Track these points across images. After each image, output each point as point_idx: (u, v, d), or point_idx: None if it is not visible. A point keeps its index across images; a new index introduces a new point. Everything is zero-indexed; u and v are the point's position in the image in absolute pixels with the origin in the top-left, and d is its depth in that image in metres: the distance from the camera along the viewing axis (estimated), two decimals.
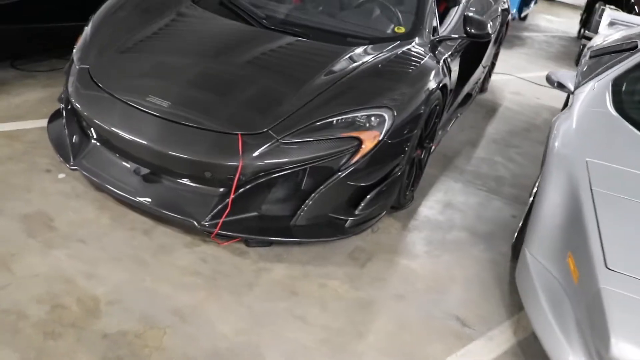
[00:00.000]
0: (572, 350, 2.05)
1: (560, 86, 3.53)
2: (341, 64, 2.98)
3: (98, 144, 2.87)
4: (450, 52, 3.67)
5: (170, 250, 2.62)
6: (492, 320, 2.60)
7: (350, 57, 3.05)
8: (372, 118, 2.70)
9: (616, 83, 3.12)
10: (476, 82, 5.01)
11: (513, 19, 8.46)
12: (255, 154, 2.52)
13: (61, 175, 3.02)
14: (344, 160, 2.64)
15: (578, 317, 2.09)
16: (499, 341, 2.49)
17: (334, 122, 2.66)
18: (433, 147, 3.87)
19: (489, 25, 3.58)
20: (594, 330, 1.92)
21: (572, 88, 3.39)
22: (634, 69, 3.20)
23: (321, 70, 2.92)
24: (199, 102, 2.70)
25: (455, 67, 3.88)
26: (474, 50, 4.67)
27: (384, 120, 2.71)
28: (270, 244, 2.75)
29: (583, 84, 3.29)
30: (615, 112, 2.87)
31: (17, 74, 4.17)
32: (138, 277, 2.43)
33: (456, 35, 3.67)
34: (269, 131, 2.56)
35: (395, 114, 2.75)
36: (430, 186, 3.68)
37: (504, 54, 7.68)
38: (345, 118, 2.67)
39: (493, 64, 5.89)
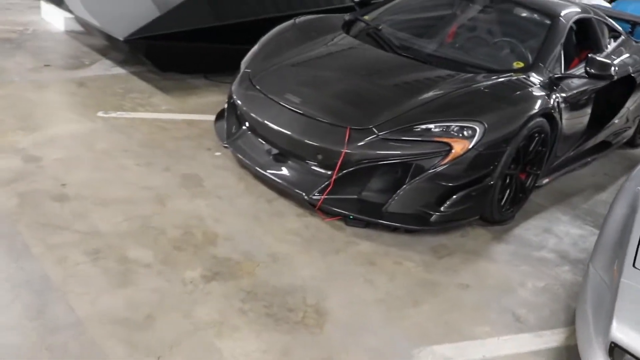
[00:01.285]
0: (595, 337, 2.26)
1: None
2: (451, 84, 3.46)
3: (247, 130, 3.65)
4: (574, 92, 3.91)
5: (283, 215, 3.27)
6: (548, 323, 2.82)
7: (461, 80, 3.51)
8: (465, 129, 3.13)
9: None
10: (617, 133, 5.05)
11: None
12: (358, 144, 3.09)
13: (217, 153, 3.85)
14: (434, 162, 3.10)
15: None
16: (546, 340, 2.71)
17: (431, 127, 3.14)
18: (547, 180, 4.09)
19: (613, 69, 3.78)
20: (604, 316, 2.15)
21: None
22: None
23: (433, 87, 3.43)
24: (323, 102, 3.36)
25: (581, 109, 4.10)
26: (616, 99, 4.79)
27: (475, 132, 3.12)
28: (365, 225, 3.27)
29: None
30: None
31: (208, 83, 5.23)
32: (251, 228, 3.10)
33: (577, 74, 3.91)
34: (373, 128, 3.13)
35: (487, 129, 3.14)
36: (535, 213, 3.91)
37: None
38: (441, 126, 3.14)
39: None
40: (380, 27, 4.15)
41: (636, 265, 2.21)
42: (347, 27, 4.30)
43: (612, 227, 2.68)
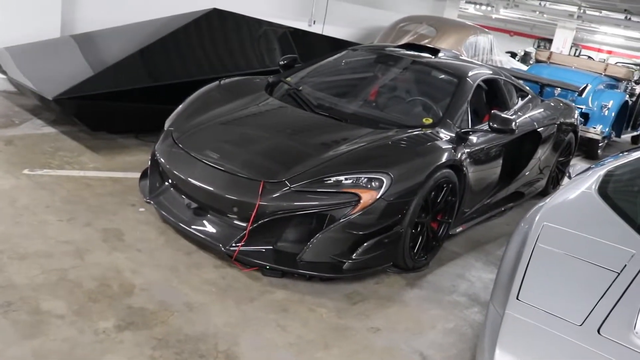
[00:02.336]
0: None
1: (569, 176, 3.90)
2: (362, 139, 3.68)
3: (169, 186, 3.76)
4: (481, 145, 4.21)
5: (201, 267, 3.35)
6: None
7: (371, 135, 3.74)
8: (373, 180, 3.33)
9: (609, 172, 3.48)
10: (529, 183, 5.39)
11: (605, 138, 8.62)
12: (272, 197, 3.25)
13: (141, 209, 3.93)
14: (345, 212, 3.27)
15: None
16: None
17: (341, 179, 3.33)
18: (460, 229, 4.33)
19: (514, 124, 4.10)
20: (489, 347, 2.30)
21: (573, 175, 3.76)
22: (629, 163, 3.56)
23: (346, 142, 3.65)
24: (242, 158, 3.52)
25: (489, 161, 4.39)
26: (526, 153, 5.15)
27: (383, 183, 3.32)
28: (282, 275, 3.38)
29: (583, 173, 3.66)
30: (596, 193, 3.22)
31: (138, 143, 5.34)
32: (169, 279, 3.17)
33: (482, 129, 4.22)
34: (285, 181, 3.29)
35: (394, 180, 3.35)
36: (449, 260, 4.11)
37: None
38: (350, 177, 3.33)
39: (562, 172, 6.20)
40: (300, 88, 4.40)
41: (519, 297, 2.39)
42: (270, 88, 4.53)
43: (506, 265, 2.86)
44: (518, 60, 13.71)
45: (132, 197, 4.09)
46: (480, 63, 6.05)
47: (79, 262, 3.18)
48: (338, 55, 5.11)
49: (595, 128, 8.36)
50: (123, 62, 5.28)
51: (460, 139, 4.03)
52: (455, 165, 3.81)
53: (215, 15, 6.43)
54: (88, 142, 5.09)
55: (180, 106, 4.21)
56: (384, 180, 3.34)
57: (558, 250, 2.65)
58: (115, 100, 5.03)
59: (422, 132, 3.89)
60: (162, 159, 3.74)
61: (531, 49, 23.89)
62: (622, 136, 9.64)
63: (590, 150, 8.57)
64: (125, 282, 3.07)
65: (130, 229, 3.64)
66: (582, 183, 3.43)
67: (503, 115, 4.14)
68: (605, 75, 9.41)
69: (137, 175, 4.26)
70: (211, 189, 3.39)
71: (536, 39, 26.55)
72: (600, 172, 3.53)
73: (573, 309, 2.27)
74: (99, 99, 4.89)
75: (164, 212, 3.62)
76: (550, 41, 23.98)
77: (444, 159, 3.67)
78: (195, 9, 6.49)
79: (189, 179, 3.49)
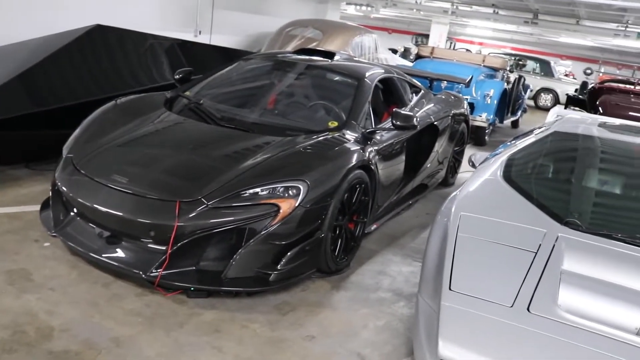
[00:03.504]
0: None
1: (474, 166, 4.12)
2: (274, 148, 3.67)
3: (75, 215, 3.54)
4: (386, 143, 4.34)
5: (121, 298, 3.19)
6: (391, 358, 3.03)
7: (283, 144, 3.74)
8: (290, 189, 3.33)
9: (510, 158, 3.71)
10: (431, 175, 5.63)
11: (491, 124, 9.18)
12: (189, 216, 3.16)
13: (46, 244, 3.68)
14: (265, 223, 3.24)
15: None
16: None
17: (258, 191, 3.30)
18: (374, 227, 4.43)
19: (415, 119, 4.26)
20: (434, 340, 2.38)
21: (477, 165, 3.98)
22: (525, 148, 3.82)
23: (257, 153, 3.62)
24: (152, 178, 3.39)
25: (394, 157, 4.53)
26: (425, 146, 5.36)
27: (300, 191, 3.34)
28: (207, 295, 3.29)
29: (485, 161, 3.89)
30: (502, 179, 3.43)
31: (30, 172, 4.99)
32: (90, 315, 2.99)
33: (386, 127, 4.35)
34: (202, 198, 3.21)
35: (310, 186, 3.37)
36: (368, 258, 4.20)
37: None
38: (267, 188, 3.31)
39: (458, 161, 6.53)
40: (201, 102, 4.32)
41: (452, 288, 2.49)
42: (169, 104, 4.40)
43: (431, 258, 2.97)
44: (399, 57, 14.26)
45: (34, 232, 3.82)
46: (373, 63, 6.23)
47: None
48: (234, 65, 5.06)
49: (481, 116, 8.87)
50: (3, 88, 4.91)
51: (366, 139, 4.13)
52: (365, 165, 3.90)
53: (99, 32, 6.15)
54: None
55: (77, 130, 3.99)
56: (301, 187, 3.35)
57: (479, 237, 2.79)
58: None
59: (330, 135, 3.94)
60: (64, 188, 3.52)
61: (410, 45, 24.93)
62: (505, 122, 10.30)
63: (478, 137, 9.08)
64: (42, 325, 2.86)
65: (37, 267, 3.40)
66: (487, 170, 3.64)
67: (404, 112, 4.29)
68: (484, 65, 10.01)
69: (36, 207, 3.99)
70: (122, 214, 3.24)
71: (414, 35, 27.75)
72: (500, 159, 3.76)
73: (502, 292, 2.40)
74: None
75: (73, 244, 3.41)
76: (426, 36, 25.13)
77: (354, 161, 3.74)
78: (76, 26, 6.16)
79: (97, 206, 3.31)
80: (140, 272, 3.17)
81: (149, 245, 3.27)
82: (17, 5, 7.04)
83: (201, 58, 7.20)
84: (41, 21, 6.84)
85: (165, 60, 6.80)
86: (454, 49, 22.19)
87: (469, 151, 6.95)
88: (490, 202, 3.24)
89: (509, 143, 4.68)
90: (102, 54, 6.05)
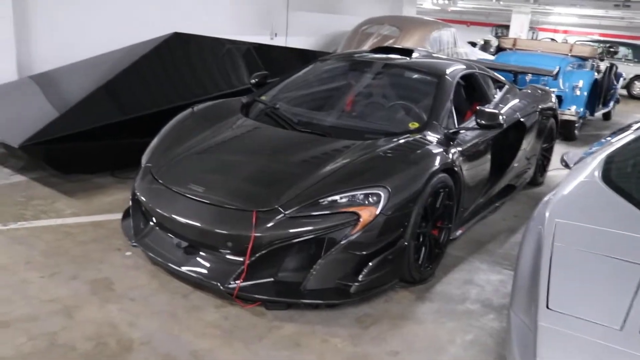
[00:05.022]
0: None
1: (567, 165, 3.80)
2: (353, 153, 3.52)
3: (154, 225, 3.55)
4: (470, 143, 4.09)
5: (200, 309, 3.15)
6: None
7: (362, 148, 3.59)
8: (370, 196, 3.17)
9: (609, 157, 3.38)
10: (519, 175, 5.30)
11: (581, 118, 8.62)
12: (267, 226, 3.06)
13: (128, 253, 3.71)
14: (345, 232, 3.10)
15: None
16: None
17: (337, 199, 3.17)
18: (460, 232, 4.20)
19: (501, 117, 3.99)
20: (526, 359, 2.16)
21: (571, 165, 3.66)
22: (626, 146, 3.47)
23: (335, 158, 3.49)
24: (228, 187, 3.33)
25: (479, 158, 4.28)
26: (512, 144, 5.05)
27: (380, 197, 3.17)
28: (286, 307, 3.19)
29: (581, 161, 3.56)
30: (601, 181, 3.12)
31: (114, 181, 5.10)
32: (169, 326, 2.96)
33: (469, 126, 4.10)
34: (279, 207, 3.11)
35: (391, 192, 3.20)
36: (454, 266, 3.98)
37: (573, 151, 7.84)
38: (346, 196, 3.17)
39: (547, 159, 6.14)
40: (277, 106, 4.23)
41: (549, 306, 2.25)
42: (245, 109, 4.35)
43: (524, 268, 2.73)
44: (479, 50, 13.75)
45: (117, 240, 3.87)
46: (454, 59, 5.96)
47: (69, 321, 2.96)
48: (309, 67, 4.96)
49: (570, 109, 8.36)
50: (88, 99, 5.06)
51: (449, 140, 3.91)
52: (449, 168, 3.68)
53: (177, 40, 6.24)
54: (62, 187, 4.84)
55: (155, 140, 4.00)
56: (382, 194, 3.19)
57: (578, 248, 2.53)
58: (85, 140, 4.80)
59: (411, 138, 3.75)
60: (143, 198, 3.53)
61: (490, 37, 24.10)
62: (596, 114, 9.68)
63: (567, 132, 8.56)
64: (123, 337, 2.86)
65: (119, 277, 3.42)
66: (583, 171, 3.33)
67: (489, 110, 4.03)
68: (571, 55, 9.43)
69: (119, 216, 4.04)
70: (199, 224, 3.19)
71: (493, 27, 26.84)
72: (598, 158, 3.43)
73: (609, 311, 2.14)
74: (67, 141, 4.66)
75: (152, 254, 3.42)
76: (507, 27, 24.25)
77: (437, 164, 3.54)
78: (153, 35, 6.28)
79: (175, 216, 3.29)
80: (218, 284, 3.11)
81: (227, 256, 3.21)
82: (100, 21, 7.29)
83: (278, 61, 7.19)
84: (122, 34, 7.01)
85: (242, 64, 6.83)
86: (536, 39, 21.21)
87: (557, 147, 6.54)
88: (588, 207, 2.95)
89: (604, 140, 4.31)
90: (180, 61, 6.14)
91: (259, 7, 9.75)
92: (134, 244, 3.54)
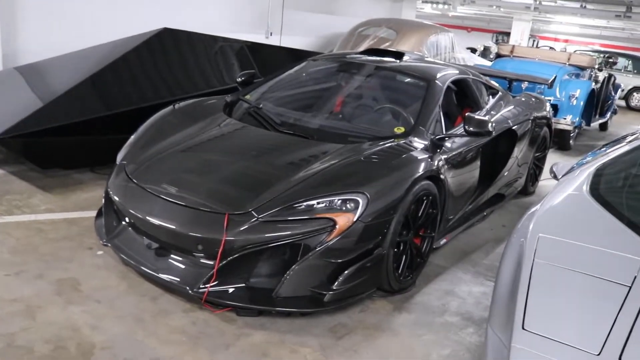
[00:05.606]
0: None
1: (555, 177, 3.69)
2: (335, 156, 3.41)
3: (127, 225, 3.43)
4: (457, 151, 3.98)
5: (168, 313, 3.03)
6: None
7: (345, 151, 3.47)
8: (347, 202, 3.06)
9: (598, 170, 3.27)
10: (509, 184, 5.19)
11: (576, 127, 8.52)
12: (239, 230, 2.95)
13: (99, 252, 3.59)
14: (321, 239, 2.98)
15: None
16: None
17: (313, 204, 3.05)
18: (444, 241, 4.08)
19: (490, 125, 3.87)
20: None
21: (559, 176, 3.54)
22: (618, 158, 3.35)
23: (316, 161, 3.37)
24: (202, 189, 3.22)
25: (467, 166, 4.16)
26: (503, 152, 4.94)
27: (358, 204, 3.06)
28: (258, 314, 3.08)
29: (570, 172, 3.45)
30: (589, 195, 3.00)
31: (94, 177, 4.98)
32: (133, 331, 2.85)
33: (457, 133, 3.99)
34: (252, 211, 3.00)
35: (370, 199, 3.08)
36: (436, 276, 3.86)
37: (566, 161, 7.74)
38: (323, 201, 3.06)
39: (539, 168, 6.03)
40: (261, 106, 4.12)
41: (525, 326, 2.14)
42: (229, 108, 4.24)
43: (504, 283, 2.61)
44: (478, 56, 13.65)
45: (89, 239, 3.75)
46: (446, 63, 5.85)
47: (30, 322, 2.84)
48: (298, 67, 4.84)
49: (565, 119, 8.26)
50: (71, 93, 4.93)
51: (435, 146, 3.80)
52: (433, 176, 3.57)
53: (167, 35, 6.11)
54: (40, 182, 4.72)
55: (133, 136, 3.89)
56: (360, 200, 3.07)
57: (559, 265, 2.41)
58: (65, 134, 4.68)
59: (395, 143, 3.64)
60: (115, 197, 3.42)
61: (490, 44, 24.00)
62: (592, 124, 9.58)
63: (562, 142, 8.46)
64: (84, 341, 2.74)
65: (87, 277, 3.31)
66: (571, 184, 3.22)
67: (478, 117, 3.91)
68: (569, 64, 9.33)
69: (94, 213, 3.92)
70: (171, 226, 3.08)
71: (494, 33, 26.75)
72: (587, 170, 3.32)
73: (587, 335, 2.03)
74: (47, 134, 4.54)
75: (122, 255, 3.30)
76: (507, 34, 24.15)
77: (421, 171, 3.42)
78: (144, 30, 6.16)
79: (147, 217, 3.17)
80: (187, 288, 3.00)
81: (199, 260, 3.10)
82: (89, 14, 7.18)
83: (271, 60, 7.07)
84: (111, 27, 6.90)
85: (235, 62, 6.72)
86: (537, 47, 21.13)
87: (552, 157, 6.44)
88: (574, 222, 2.83)
89: (597, 151, 4.21)
90: (169, 57, 6.02)
91: (254, 5, 9.63)
92: (105, 243, 3.42)
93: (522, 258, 2.56)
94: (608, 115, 10.53)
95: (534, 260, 2.49)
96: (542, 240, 2.61)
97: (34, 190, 4.55)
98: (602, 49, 21.68)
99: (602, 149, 3.98)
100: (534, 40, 24.96)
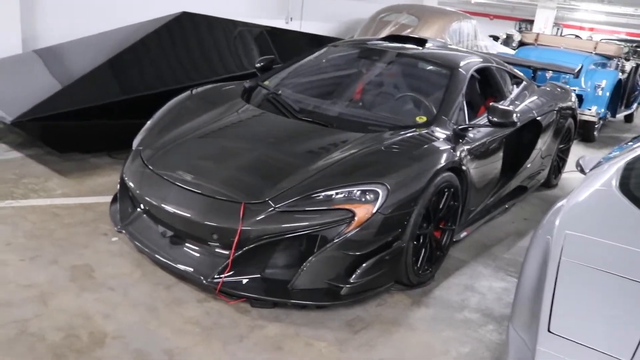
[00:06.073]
0: None
1: (582, 171, 3.56)
2: (355, 145, 3.32)
3: (142, 212, 3.38)
4: (480, 142, 3.87)
5: (181, 303, 2.98)
6: None
7: (365, 140, 3.38)
8: (367, 193, 2.97)
9: (628, 165, 3.14)
10: (532, 176, 5.06)
11: (601, 119, 8.31)
12: (255, 220, 2.88)
13: (114, 239, 3.55)
14: (339, 230, 2.91)
15: None
16: None
17: (332, 194, 2.97)
18: (465, 234, 3.98)
19: (515, 115, 3.74)
20: None
21: (587, 170, 3.42)
22: None
23: (336, 150, 3.29)
24: (218, 177, 3.15)
25: (490, 157, 4.04)
26: (526, 143, 4.81)
27: (378, 195, 2.97)
28: (273, 305, 3.01)
29: (598, 167, 3.33)
30: (618, 191, 2.89)
31: (111, 161, 4.95)
32: (146, 320, 2.80)
33: (481, 123, 3.88)
34: (269, 200, 2.93)
35: (391, 190, 2.99)
36: (456, 270, 3.77)
37: (590, 153, 7.56)
38: (342, 192, 2.97)
39: (563, 160, 5.89)
40: (280, 93, 4.03)
41: (551, 329, 2.04)
42: (247, 94, 4.16)
43: (528, 281, 2.52)
44: (501, 44, 13.39)
45: (105, 225, 3.71)
46: (470, 51, 5.70)
47: (43, 309, 2.81)
48: (318, 53, 4.74)
49: (590, 110, 8.06)
50: (88, 76, 4.90)
51: (457, 137, 3.69)
52: (455, 167, 3.46)
53: (186, 19, 6.04)
54: (56, 165, 4.70)
55: (149, 122, 3.83)
56: (380, 191, 2.99)
57: (587, 264, 2.31)
58: (82, 118, 4.64)
59: (417, 132, 3.54)
60: (131, 183, 3.37)
61: (513, 32, 23.59)
62: (617, 115, 9.35)
63: (586, 133, 8.26)
64: (96, 329, 2.70)
65: (101, 264, 3.27)
66: (599, 179, 3.10)
67: (502, 107, 3.78)
68: (595, 54, 9.09)
69: (110, 199, 3.88)
70: (187, 215, 3.02)
71: (517, 21, 26.26)
72: (616, 165, 3.20)
73: (617, 340, 1.93)
74: (64, 118, 4.50)
75: (137, 242, 3.25)
76: (531, 22, 23.72)
77: (443, 162, 3.32)
78: (163, 14, 6.09)
79: (162, 204, 3.12)
80: (202, 277, 2.94)
81: (214, 249, 3.04)
82: None
83: (291, 46, 6.96)
84: (130, 11, 6.85)
85: (254, 47, 6.63)
86: (561, 35, 20.72)
87: (575, 149, 6.28)
88: (602, 219, 2.72)
89: (625, 145, 4.06)
90: (188, 41, 5.95)
91: None
92: (120, 230, 3.38)
93: (547, 256, 2.46)
94: (634, 106, 10.26)
95: (560, 258, 2.39)
96: (570, 238, 2.51)
97: (51, 174, 4.53)
98: (629, 37, 21.19)
99: (630, 143, 3.84)
100: (558, 29, 24.50)
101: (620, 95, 9.05)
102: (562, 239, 2.51)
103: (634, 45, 12.77)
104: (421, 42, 4.65)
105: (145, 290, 3.07)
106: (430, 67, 4.41)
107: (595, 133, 8.42)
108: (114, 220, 3.48)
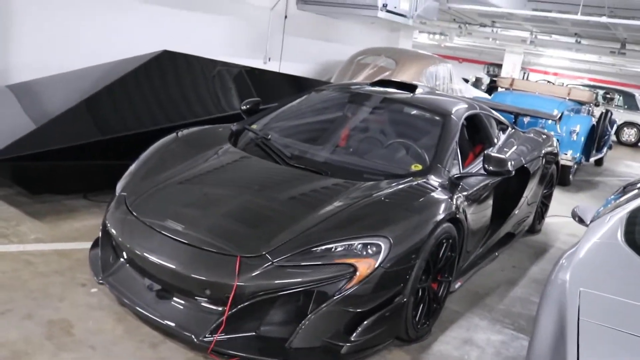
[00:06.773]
0: None
1: (581, 221, 3.51)
2: (350, 196, 3.20)
3: (125, 262, 3.17)
4: (474, 189, 3.79)
5: None
6: None
7: (360, 190, 3.26)
8: (369, 246, 2.84)
9: (632, 216, 3.09)
10: (519, 222, 5.02)
11: (577, 163, 8.42)
12: (252, 275, 2.71)
13: (93, 290, 3.32)
14: (339, 286, 2.75)
15: None
16: None
17: (332, 248, 2.82)
18: (459, 284, 3.87)
19: (510, 163, 3.69)
20: None
21: (588, 222, 3.37)
22: None
23: (332, 200, 3.15)
24: (210, 226, 2.98)
25: (482, 205, 3.97)
26: (514, 190, 4.76)
27: (381, 249, 2.84)
28: None
29: (599, 217, 3.27)
30: (625, 244, 2.82)
31: (87, 204, 4.72)
32: None
33: (475, 172, 3.81)
34: (266, 254, 2.76)
35: (393, 243, 2.87)
36: (451, 322, 3.64)
37: (566, 197, 7.64)
38: (342, 245, 2.83)
39: (546, 205, 5.88)
40: (269, 137, 3.90)
41: None
42: (234, 137, 4.02)
43: (543, 341, 2.38)
44: (471, 86, 13.62)
45: (83, 274, 3.48)
46: (457, 97, 5.71)
47: None
48: (305, 96, 4.64)
49: (566, 154, 8.15)
50: (65, 115, 4.68)
51: (453, 186, 3.61)
52: (453, 218, 3.37)
53: (167, 58, 5.91)
54: (29, 208, 4.45)
55: (133, 165, 3.65)
56: (382, 244, 2.86)
57: (611, 326, 2.21)
58: (58, 158, 4.41)
59: (415, 182, 3.44)
60: (113, 230, 3.17)
61: (482, 75, 24.17)
62: (590, 159, 9.51)
63: (562, 177, 8.32)
64: None
65: (81, 318, 3.03)
66: (602, 230, 3.03)
67: (497, 155, 3.73)
68: (569, 99, 9.27)
69: (87, 245, 3.66)
70: (175, 267, 2.83)
71: (485, 64, 26.94)
72: (618, 215, 3.14)
73: None
74: (38, 158, 4.27)
75: (120, 295, 3.04)
76: (499, 66, 24.34)
77: (442, 213, 3.22)
78: (143, 53, 5.95)
79: (147, 254, 2.92)
80: (192, 336, 2.74)
81: (204, 304, 2.85)
82: (87, 34, 6.97)
83: (270, 86, 6.88)
84: (109, 49, 6.70)
85: (233, 87, 6.51)
86: (527, 79, 21.28)
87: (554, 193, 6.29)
88: (614, 275, 2.64)
89: (617, 195, 4.04)
90: (168, 80, 5.80)
91: (254, 30, 9.48)
92: (100, 281, 3.15)
93: (564, 315, 2.35)
94: (604, 150, 10.47)
95: (579, 318, 2.29)
96: (585, 296, 2.41)
97: (23, 217, 4.28)
98: (592, 83, 21.88)
99: (628, 195, 3.81)
100: (524, 73, 25.18)
101: (593, 139, 9.21)
102: (577, 297, 2.41)
103: (605, 92, 13.12)
104: (411, 87, 4.61)
105: (129, 348, 2.85)
106: (421, 114, 4.35)
107: (570, 177, 8.52)
108: (95, 270, 3.26)
